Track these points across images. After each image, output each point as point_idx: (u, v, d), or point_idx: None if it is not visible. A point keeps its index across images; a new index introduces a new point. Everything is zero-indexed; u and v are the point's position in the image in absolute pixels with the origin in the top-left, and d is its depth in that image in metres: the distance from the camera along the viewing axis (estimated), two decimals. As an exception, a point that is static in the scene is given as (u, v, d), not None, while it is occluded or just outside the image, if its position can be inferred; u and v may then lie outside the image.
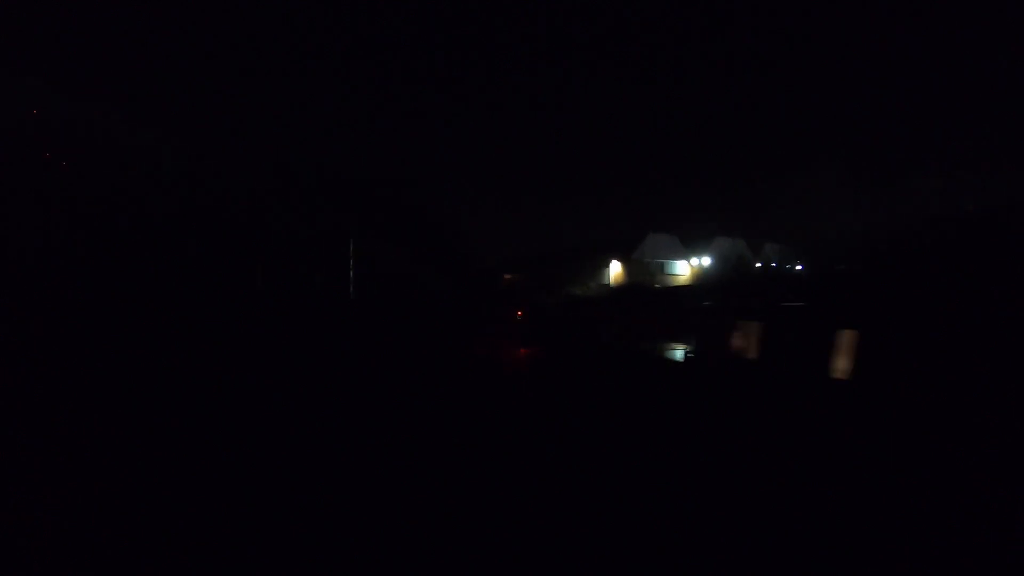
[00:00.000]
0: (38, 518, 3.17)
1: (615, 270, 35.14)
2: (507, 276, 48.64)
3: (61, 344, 8.52)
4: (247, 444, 4.60)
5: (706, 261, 36.80)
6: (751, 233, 40.60)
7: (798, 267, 44.89)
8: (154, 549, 2.85)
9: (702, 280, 35.33)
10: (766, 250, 41.82)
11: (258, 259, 13.73)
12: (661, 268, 35.33)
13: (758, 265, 41.09)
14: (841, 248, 42.83)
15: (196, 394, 6.44)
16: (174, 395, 6.36)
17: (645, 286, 32.05)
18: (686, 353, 10.76)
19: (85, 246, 10.68)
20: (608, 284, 35.11)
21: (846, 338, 5.86)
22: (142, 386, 6.81)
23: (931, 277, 14.06)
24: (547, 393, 6.65)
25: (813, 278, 22.73)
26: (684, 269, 36.29)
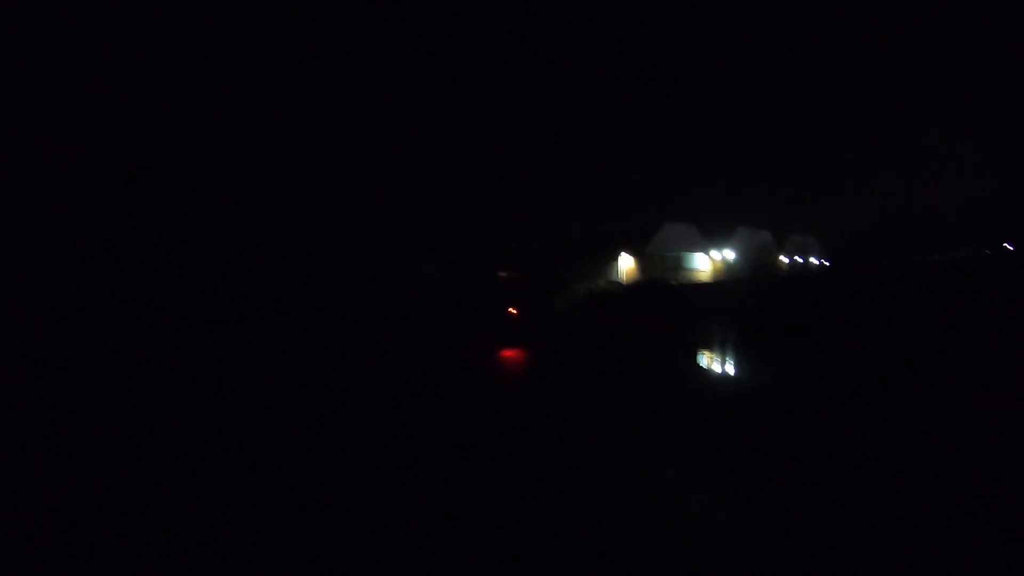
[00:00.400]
0: (38, 518, 3.14)
1: (626, 265, 30.71)
2: (502, 274, 44.25)
3: (60, 344, 8.44)
4: (247, 444, 4.54)
5: (729, 254, 32.40)
6: (776, 224, 36.31)
7: (825, 263, 40.69)
8: (154, 549, 2.83)
9: (728, 275, 30.94)
10: (791, 243, 37.55)
11: (255, 258, 13.42)
12: (679, 262, 30.89)
13: (784, 260, 36.81)
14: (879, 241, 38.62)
15: (196, 394, 6.40)
16: (174, 395, 6.30)
17: (663, 283, 27.59)
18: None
19: (80, 244, 10.64)
20: (619, 281, 30.68)
21: None
22: (141, 386, 6.72)
23: None
24: (544, 398, 6.17)
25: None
26: (704, 263, 31.87)
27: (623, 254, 30.60)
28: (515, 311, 19.41)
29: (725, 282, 25.20)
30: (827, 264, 40.30)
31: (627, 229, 31.93)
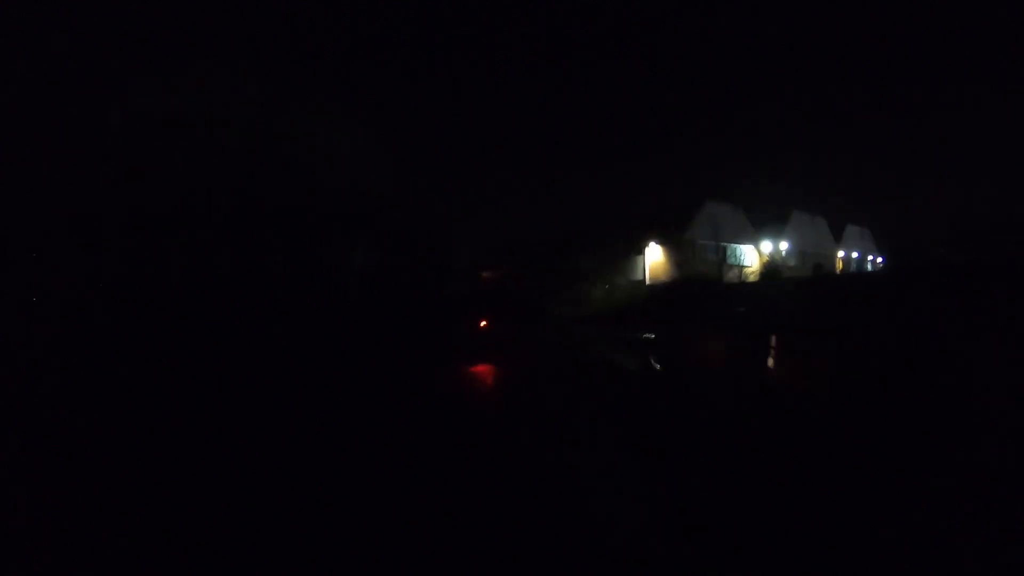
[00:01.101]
0: (38, 518, 3.15)
1: (653, 258, 22.98)
2: (486, 274, 36.31)
3: (61, 343, 8.41)
4: (247, 444, 4.57)
5: (783, 245, 24.95)
6: (830, 211, 29.04)
7: (878, 259, 33.68)
8: (154, 549, 2.82)
9: (784, 272, 23.48)
10: (847, 235, 30.38)
11: (235, 260, 13.16)
12: (724, 254, 23.25)
13: (840, 254, 29.61)
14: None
15: (195, 394, 6.42)
16: (173, 395, 6.34)
17: (711, 281, 19.96)
18: None
19: (80, 244, 10.73)
20: (643, 280, 22.98)
21: None
22: (141, 386, 6.76)
23: None
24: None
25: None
26: (751, 257, 24.33)
27: (651, 244, 22.83)
28: (492, 320, 15.78)
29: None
30: (881, 261, 33.33)
31: (653, 211, 24.27)
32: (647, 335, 15.59)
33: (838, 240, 29.36)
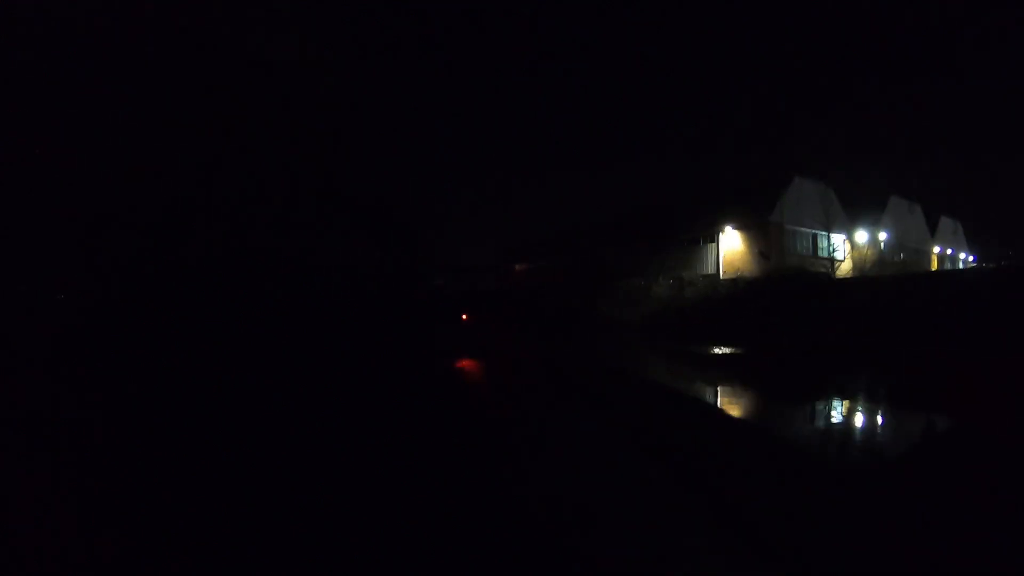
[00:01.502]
0: (38, 518, 3.12)
1: (729, 246, 19.04)
2: (518, 266, 32.60)
3: (61, 342, 8.39)
4: (247, 444, 4.51)
5: (883, 236, 20.77)
6: (924, 198, 24.73)
7: (969, 258, 29.25)
8: (154, 549, 2.81)
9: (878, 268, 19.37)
10: (941, 227, 26.06)
11: (231, 257, 12.25)
12: (814, 244, 19.20)
13: (936, 250, 25.29)
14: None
15: (194, 394, 6.40)
16: (171, 394, 6.34)
17: (817, 279, 16.04)
18: None
19: (80, 240, 10.39)
20: (716, 274, 19.06)
21: None
22: (141, 386, 6.79)
23: None
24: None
25: None
26: (840, 247, 20.20)
27: (726, 230, 18.89)
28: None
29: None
30: (973, 260, 28.89)
31: (729, 191, 20.29)
32: (725, 350, 11.59)
33: (933, 234, 25.09)
